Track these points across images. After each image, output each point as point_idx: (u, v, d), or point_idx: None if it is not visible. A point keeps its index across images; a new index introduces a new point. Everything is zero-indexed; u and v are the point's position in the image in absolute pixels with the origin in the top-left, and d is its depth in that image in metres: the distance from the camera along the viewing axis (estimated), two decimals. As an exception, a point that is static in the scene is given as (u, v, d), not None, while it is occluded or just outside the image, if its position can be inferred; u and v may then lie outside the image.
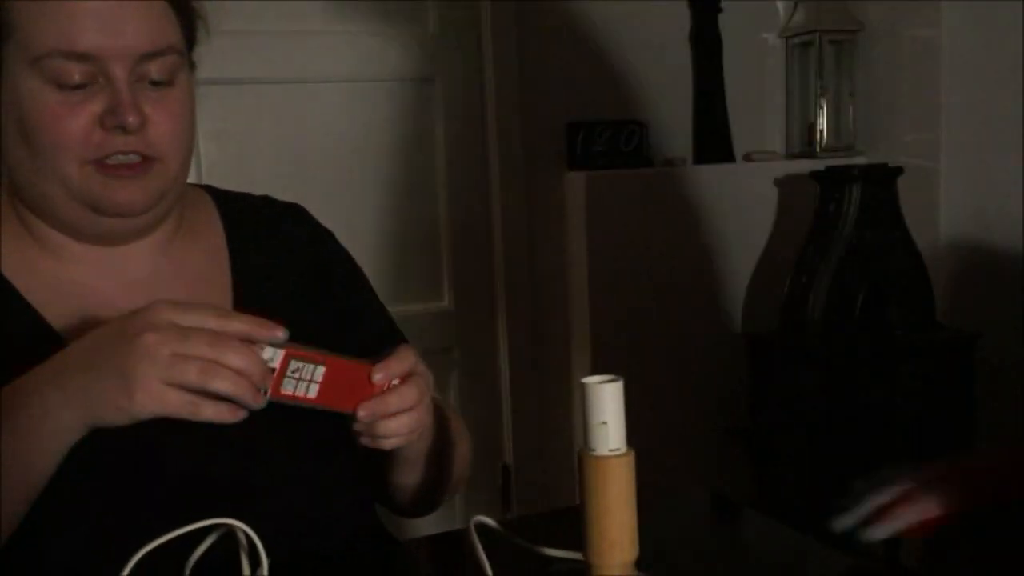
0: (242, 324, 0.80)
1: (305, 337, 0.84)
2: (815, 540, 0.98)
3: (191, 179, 1.05)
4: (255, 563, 0.80)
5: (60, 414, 0.80)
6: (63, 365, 0.81)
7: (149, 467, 0.91)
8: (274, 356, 0.81)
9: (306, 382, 0.82)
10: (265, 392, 0.81)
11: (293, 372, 0.81)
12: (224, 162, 2.07)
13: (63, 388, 0.80)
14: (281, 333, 0.81)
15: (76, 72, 0.88)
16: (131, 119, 0.89)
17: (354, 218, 2.11)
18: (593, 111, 2.36)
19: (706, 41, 2.44)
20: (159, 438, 0.89)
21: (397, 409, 0.87)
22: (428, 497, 1.09)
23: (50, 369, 0.81)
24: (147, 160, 0.92)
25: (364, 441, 0.88)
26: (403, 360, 0.88)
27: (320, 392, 0.83)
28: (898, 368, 2.20)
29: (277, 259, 1.07)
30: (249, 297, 1.01)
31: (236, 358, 0.78)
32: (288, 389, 0.82)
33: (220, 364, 0.78)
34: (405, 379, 0.88)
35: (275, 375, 0.81)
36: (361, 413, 0.85)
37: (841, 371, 2.16)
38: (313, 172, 2.15)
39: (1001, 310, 2.22)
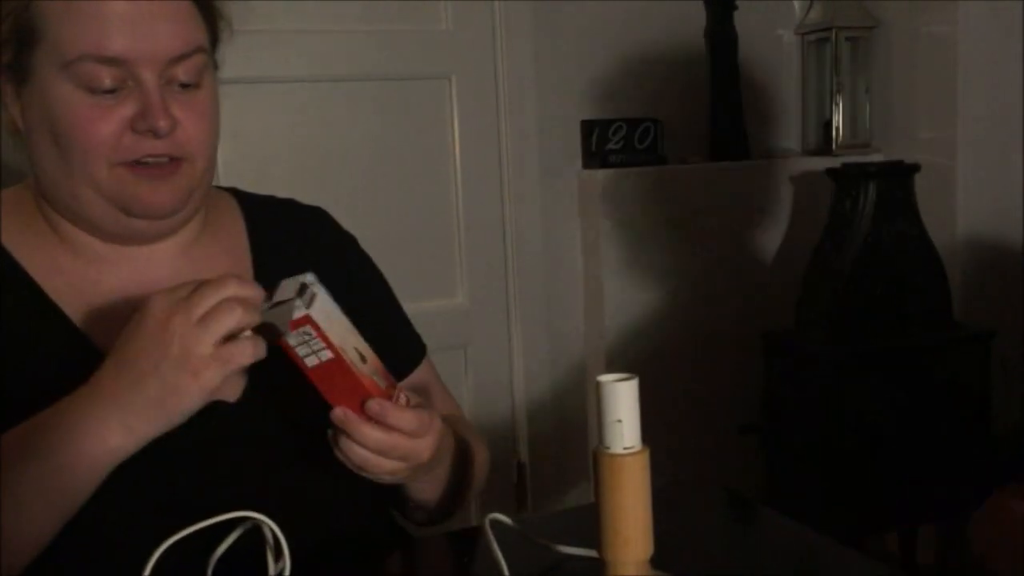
0: (243, 287, 0.84)
1: None
2: (830, 538, 0.98)
3: (211, 179, 1.06)
4: (276, 558, 0.81)
5: (118, 435, 0.82)
6: (113, 389, 0.82)
7: (171, 466, 0.91)
8: (297, 310, 0.81)
9: (309, 351, 0.82)
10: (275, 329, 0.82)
11: (303, 333, 0.81)
12: (241, 161, 2.08)
13: (124, 408, 0.81)
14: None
15: (107, 76, 0.89)
16: (162, 123, 0.90)
17: (369, 216, 2.10)
18: (608, 109, 2.36)
19: (721, 38, 2.43)
20: (180, 438, 0.90)
21: (367, 444, 0.86)
22: (441, 514, 1.10)
23: (101, 396, 0.82)
24: (176, 161, 0.93)
25: (329, 436, 0.87)
26: (408, 420, 0.87)
27: (315, 370, 0.83)
28: (914, 366, 2.19)
29: (299, 262, 1.07)
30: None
31: (242, 290, 0.83)
32: (292, 342, 0.81)
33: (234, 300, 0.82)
34: (402, 432, 0.87)
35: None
36: (336, 412, 0.85)
37: (856, 369, 2.16)
38: (328, 170, 2.15)
39: (1018, 308, 2.21)
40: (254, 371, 0.87)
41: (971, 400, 2.20)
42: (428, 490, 1.03)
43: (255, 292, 0.84)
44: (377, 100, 2.20)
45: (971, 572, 0.73)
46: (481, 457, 1.14)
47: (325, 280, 1.04)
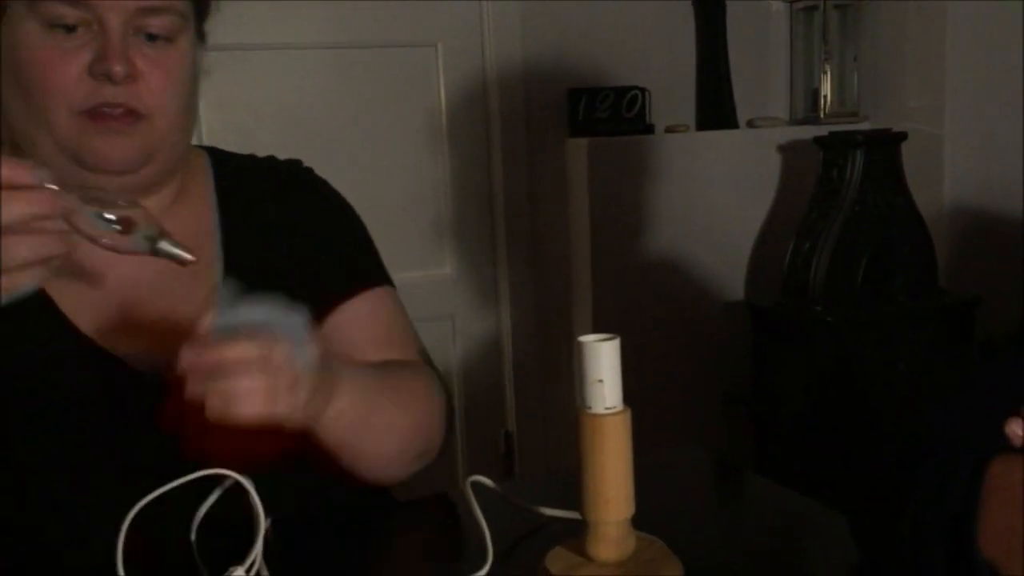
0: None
1: (297, 299, 0.82)
2: (815, 501, 0.99)
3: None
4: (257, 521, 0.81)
5: None
6: None
7: (149, 429, 0.91)
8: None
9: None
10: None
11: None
12: (225, 129, 2.06)
13: None
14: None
15: (70, 15, 0.87)
16: (117, 68, 0.88)
17: (354, 185, 2.06)
18: (595, 77, 2.34)
19: (709, 6, 2.42)
20: (141, 404, 0.90)
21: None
22: (382, 472, 1.01)
23: None
24: (135, 115, 0.91)
25: (213, 408, 0.75)
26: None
27: None
28: (900, 334, 2.20)
29: (272, 220, 1.05)
30: (239, 265, 1.00)
31: (16, 209, 0.71)
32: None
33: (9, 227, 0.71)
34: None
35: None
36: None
37: (843, 337, 2.16)
38: (313, 139, 2.14)
39: (1003, 276, 2.22)
40: None
41: (956, 367, 2.21)
42: (336, 431, 0.90)
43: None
44: (362, 68, 2.19)
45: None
46: (422, 402, 1.03)
47: (297, 232, 1.02)
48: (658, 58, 2.42)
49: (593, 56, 2.35)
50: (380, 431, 0.95)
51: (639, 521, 0.80)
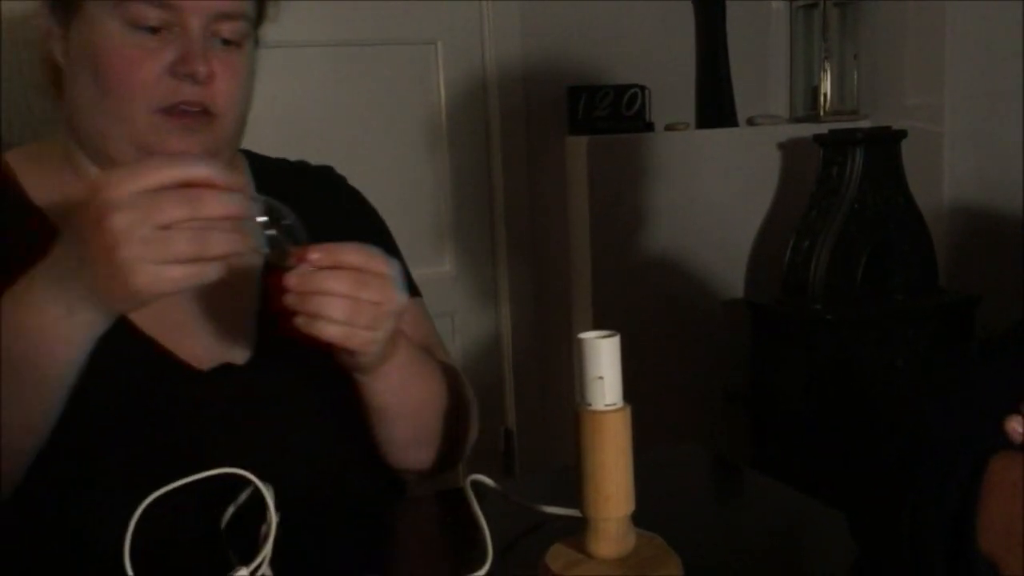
0: (205, 168, 0.77)
1: None
2: (814, 499, 0.99)
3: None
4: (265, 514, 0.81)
5: (72, 315, 0.79)
6: (61, 266, 0.79)
7: (168, 420, 0.92)
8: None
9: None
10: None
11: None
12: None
13: (68, 289, 0.78)
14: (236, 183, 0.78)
15: (155, 16, 0.92)
16: (201, 69, 0.92)
17: (354, 183, 2.10)
18: (595, 75, 2.34)
19: (709, 4, 2.42)
20: (179, 393, 0.91)
21: (326, 287, 0.83)
22: (415, 453, 1.06)
23: (50, 272, 0.79)
24: (208, 114, 0.95)
25: (300, 323, 0.84)
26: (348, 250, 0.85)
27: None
28: (899, 332, 2.20)
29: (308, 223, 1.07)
30: None
31: (218, 208, 0.76)
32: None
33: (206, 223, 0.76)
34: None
35: None
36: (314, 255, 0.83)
37: (842, 335, 2.16)
38: (313, 136, 2.14)
39: (1003, 274, 2.22)
40: (260, 330, 0.89)
41: (955, 366, 2.21)
42: (383, 391, 0.98)
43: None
44: (362, 65, 2.18)
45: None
46: (450, 385, 1.10)
47: (331, 236, 1.05)
48: (658, 56, 2.42)
49: (593, 54, 2.35)
50: (418, 403, 1.02)
51: (638, 518, 0.80)
